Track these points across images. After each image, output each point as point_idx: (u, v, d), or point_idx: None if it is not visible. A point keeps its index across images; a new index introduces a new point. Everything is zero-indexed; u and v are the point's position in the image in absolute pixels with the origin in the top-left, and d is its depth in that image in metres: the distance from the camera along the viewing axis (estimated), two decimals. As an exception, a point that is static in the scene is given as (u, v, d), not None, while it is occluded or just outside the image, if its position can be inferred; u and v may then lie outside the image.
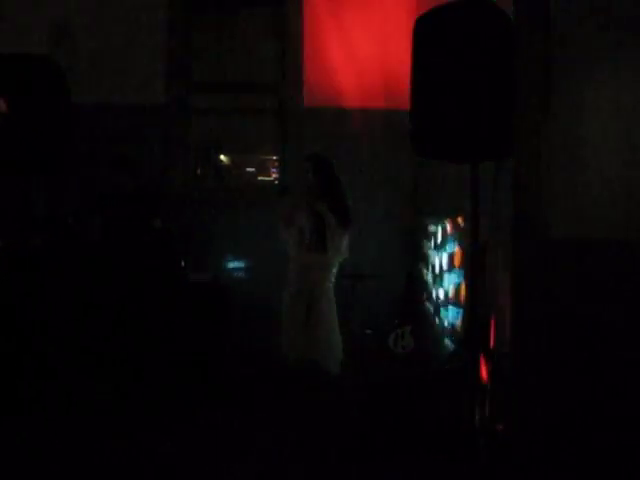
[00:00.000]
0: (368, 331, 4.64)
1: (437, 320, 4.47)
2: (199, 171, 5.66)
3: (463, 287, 3.67)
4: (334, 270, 3.98)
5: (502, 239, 2.90)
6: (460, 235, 3.81)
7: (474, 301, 2.75)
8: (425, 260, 5.02)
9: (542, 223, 1.66)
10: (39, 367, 3.22)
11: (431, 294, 4.80)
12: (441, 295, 4.33)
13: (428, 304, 4.86)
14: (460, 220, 3.82)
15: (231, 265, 4.32)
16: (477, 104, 2.48)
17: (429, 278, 4.83)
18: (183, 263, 3.86)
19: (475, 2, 2.52)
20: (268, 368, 3.98)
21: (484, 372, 2.83)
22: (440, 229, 4.47)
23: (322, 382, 3.81)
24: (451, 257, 4.04)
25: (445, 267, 4.22)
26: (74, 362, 3.27)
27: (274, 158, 5.71)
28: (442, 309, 4.30)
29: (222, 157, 5.86)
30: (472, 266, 2.80)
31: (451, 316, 3.96)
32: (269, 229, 4.90)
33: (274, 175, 5.75)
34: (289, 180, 5.17)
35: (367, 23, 5.25)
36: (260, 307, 4.89)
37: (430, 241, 4.81)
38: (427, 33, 2.66)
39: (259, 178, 5.88)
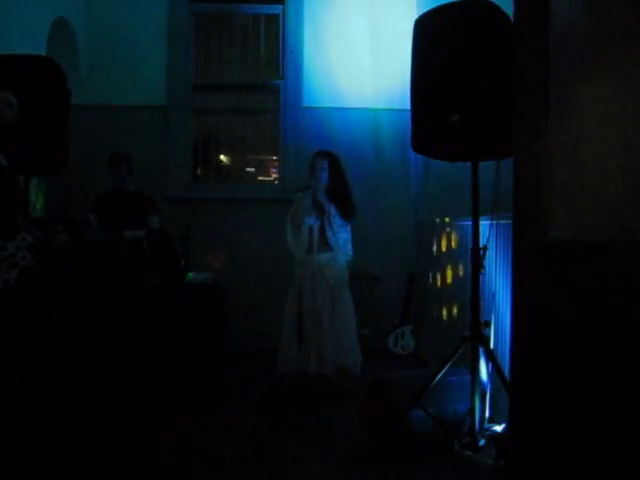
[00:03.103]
0: (365, 331, 4.64)
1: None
2: (199, 171, 5.66)
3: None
4: (346, 269, 3.88)
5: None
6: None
7: (474, 301, 2.76)
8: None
9: (542, 223, 1.65)
10: (38, 367, 3.22)
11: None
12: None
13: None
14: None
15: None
16: (477, 104, 2.48)
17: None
18: (183, 262, 3.86)
19: (475, 2, 2.52)
20: (268, 369, 3.96)
21: (484, 372, 2.83)
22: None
23: (347, 387, 3.72)
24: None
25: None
26: (72, 362, 3.27)
27: (274, 158, 5.71)
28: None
29: (222, 157, 5.87)
30: (472, 266, 2.80)
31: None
32: (269, 229, 4.92)
33: (274, 175, 5.76)
34: (289, 179, 5.17)
35: (367, 22, 5.25)
36: (259, 308, 4.90)
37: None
38: (427, 33, 2.66)
39: (259, 178, 5.89)
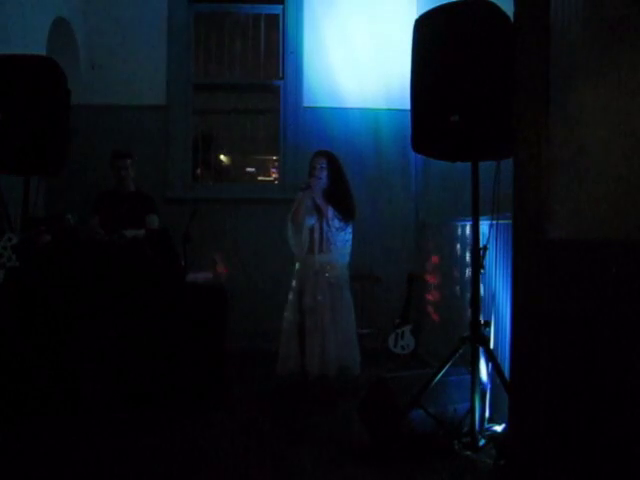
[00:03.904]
0: (365, 331, 4.64)
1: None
2: (199, 171, 5.66)
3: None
4: (347, 269, 3.86)
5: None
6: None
7: (474, 301, 2.75)
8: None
9: (542, 223, 1.65)
10: (37, 367, 3.22)
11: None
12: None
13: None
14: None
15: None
16: (477, 104, 2.48)
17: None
18: (183, 262, 3.85)
19: (475, 2, 2.52)
20: (268, 369, 3.95)
21: (484, 372, 2.83)
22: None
23: (345, 386, 3.71)
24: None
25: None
26: (71, 362, 3.27)
27: (274, 158, 5.71)
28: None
29: (222, 157, 5.87)
30: (472, 266, 2.80)
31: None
32: (269, 229, 4.92)
33: (274, 175, 5.77)
34: (289, 179, 5.17)
35: (367, 22, 5.25)
36: (260, 308, 4.90)
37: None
38: (427, 33, 2.66)
39: (259, 178, 5.89)
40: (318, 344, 3.66)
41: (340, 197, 3.85)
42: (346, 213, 3.84)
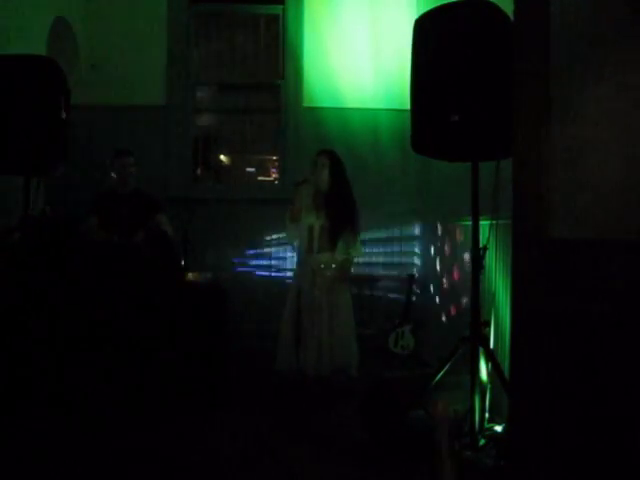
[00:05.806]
0: (365, 331, 4.64)
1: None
2: (199, 171, 5.66)
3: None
4: (349, 269, 3.85)
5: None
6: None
7: (474, 301, 2.75)
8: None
9: (542, 223, 1.66)
10: (36, 367, 3.22)
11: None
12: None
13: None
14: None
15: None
16: (477, 104, 2.48)
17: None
18: (183, 262, 3.85)
19: (475, 2, 2.52)
20: (268, 370, 3.96)
21: (484, 372, 2.83)
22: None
23: (346, 387, 3.70)
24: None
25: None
26: (73, 362, 3.27)
27: (274, 158, 5.71)
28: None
29: (222, 157, 5.87)
30: (472, 266, 2.80)
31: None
32: (269, 229, 4.92)
33: (274, 175, 5.76)
34: (289, 179, 5.17)
35: (367, 23, 5.25)
36: (260, 308, 4.90)
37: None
38: (427, 33, 2.66)
39: (259, 178, 5.89)
40: (314, 344, 3.65)
41: (349, 212, 3.81)
42: (357, 226, 3.81)
